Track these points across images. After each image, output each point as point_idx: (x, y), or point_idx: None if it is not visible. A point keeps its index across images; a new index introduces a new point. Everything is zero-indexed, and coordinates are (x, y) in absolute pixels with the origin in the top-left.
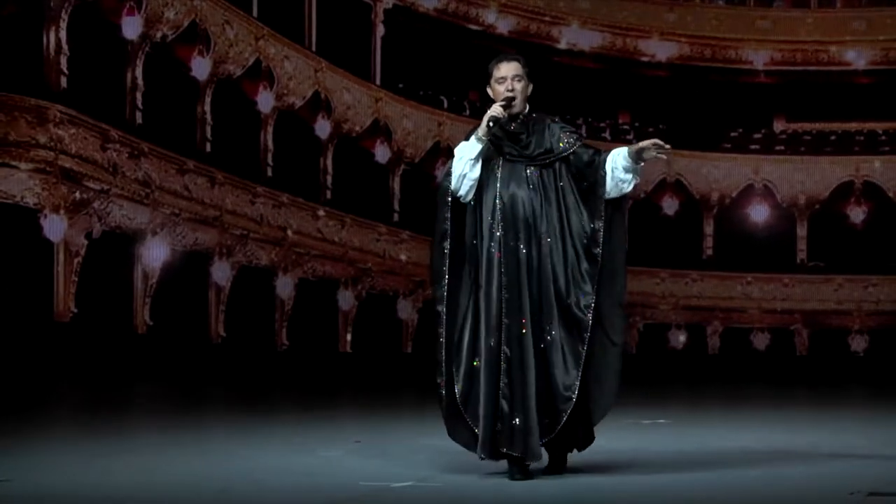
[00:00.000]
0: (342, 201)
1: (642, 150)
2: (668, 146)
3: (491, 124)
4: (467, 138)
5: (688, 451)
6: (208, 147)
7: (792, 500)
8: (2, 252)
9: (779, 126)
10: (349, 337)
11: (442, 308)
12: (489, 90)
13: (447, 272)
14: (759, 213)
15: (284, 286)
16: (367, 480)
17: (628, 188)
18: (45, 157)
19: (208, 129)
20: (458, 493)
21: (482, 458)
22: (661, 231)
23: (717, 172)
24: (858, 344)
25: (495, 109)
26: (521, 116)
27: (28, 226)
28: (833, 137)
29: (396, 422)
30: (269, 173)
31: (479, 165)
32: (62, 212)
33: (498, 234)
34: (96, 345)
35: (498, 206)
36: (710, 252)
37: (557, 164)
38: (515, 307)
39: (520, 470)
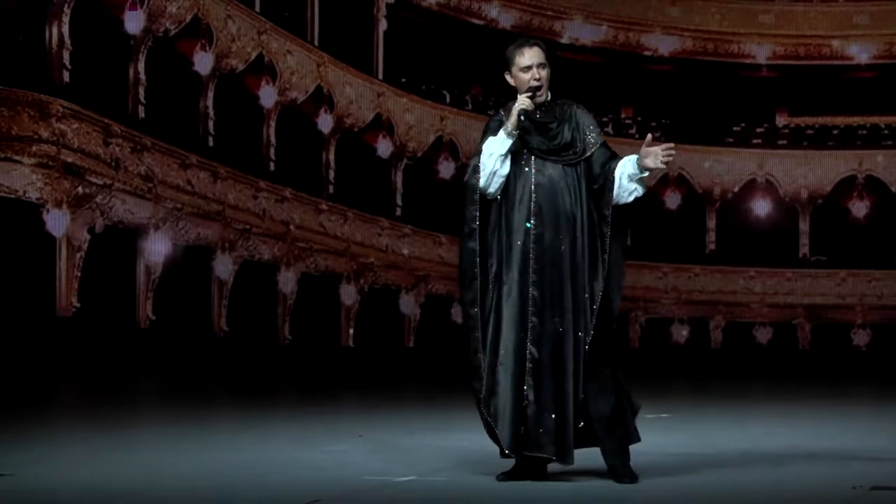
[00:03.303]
0: (344, 196)
1: (645, 155)
2: (673, 151)
3: (522, 118)
4: (489, 132)
5: (690, 446)
6: (211, 142)
7: (795, 495)
8: (4, 247)
9: (781, 120)
10: (351, 332)
11: (476, 311)
12: (509, 78)
13: (479, 273)
14: (761, 207)
15: (287, 281)
16: (370, 474)
17: (629, 199)
18: (47, 151)
19: (211, 123)
20: (460, 488)
21: (505, 455)
22: (664, 225)
23: (719, 167)
24: (861, 338)
25: (524, 102)
26: (545, 104)
27: (30, 220)
28: (836, 132)
29: (399, 416)
30: (272, 168)
31: (508, 161)
32: (65, 206)
33: (533, 229)
34: (99, 340)
35: (533, 200)
36: (712, 246)
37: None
38: (553, 305)
39: (531, 471)
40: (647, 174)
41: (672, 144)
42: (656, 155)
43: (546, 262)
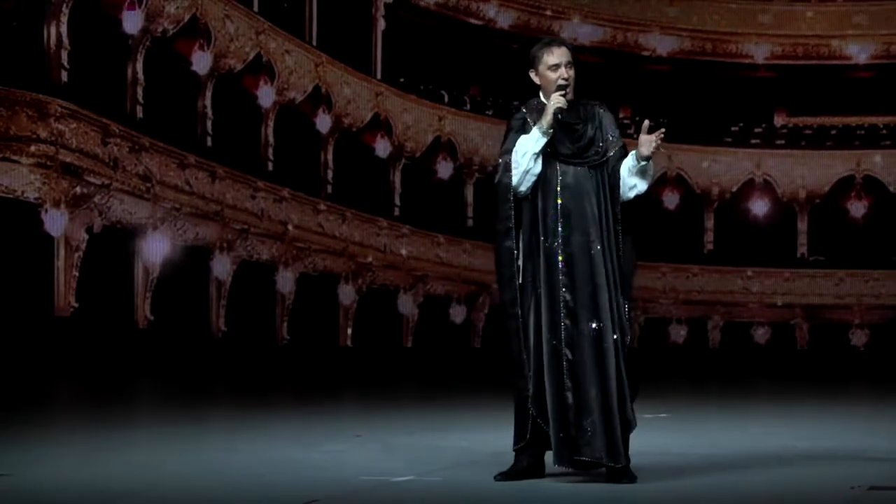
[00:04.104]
0: (343, 196)
1: (641, 144)
2: (662, 135)
3: (559, 116)
4: (511, 130)
5: (688, 446)
6: (209, 142)
7: (793, 495)
8: (3, 247)
9: (779, 120)
10: (350, 331)
11: (517, 310)
12: (534, 76)
13: (518, 272)
14: (759, 207)
15: (285, 281)
16: (367, 474)
17: (630, 194)
18: (45, 151)
19: (209, 123)
20: (458, 488)
21: (518, 450)
22: (662, 225)
23: (717, 167)
24: (859, 338)
25: (559, 100)
26: (569, 104)
27: (29, 220)
28: (834, 132)
29: (397, 416)
30: (270, 168)
31: (541, 160)
32: (63, 206)
33: (561, 231)
34: (97, 340)
35: (560, 203)
36: (710, 246)
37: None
38: (587, 307)
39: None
40: (644, 164)
41: (662, 130)
42: (650, 142)
43: (576, 264)
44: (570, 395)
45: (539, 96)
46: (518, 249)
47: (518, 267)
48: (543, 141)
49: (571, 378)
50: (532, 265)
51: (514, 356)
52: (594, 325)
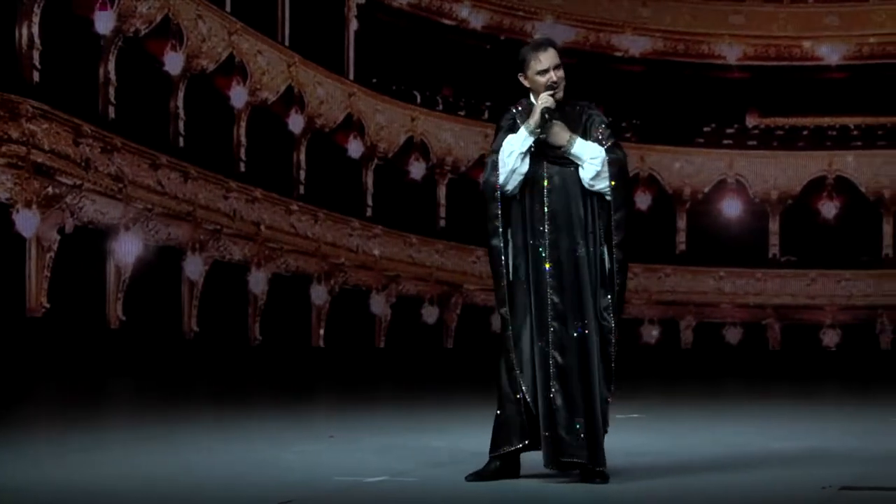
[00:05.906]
0: (315, 196)
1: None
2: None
3: (546, 116)
4: (500, 130)
5: (660, 447)
6: (181, 142)
7: (764, 495)
8: None
9: (752, 121)
10: (322, 332)
11: (505, 310)
12: (523, 80)
13: (508, 271)
14: (731, 207)
15: (257, 281)
16: (340, 475)
17: (586, 180)
18: (17, 151)
19: (181, 124)
20: (431, 488)
21: (495, 454)
22: (634, 226)
23: (689, 167)
24: (830, 338)
25: (547, 100)
26: (558, 105)
27: (0, 221)
28: (806, 132)
29: (370, 417)
30: (242, 168)
31: (528, 159)
32: (34, 207)
33: (548, 234)
34: (69, 340)
35: (547, 205)
36: (683, 247)
37: None
38: (575, 310)
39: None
40: (562, 150)
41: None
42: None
43: (564, 267)
44: (558, 398)
45: (530, 97)
46: (508, 249)
47: (509, 266)
48: (530, 141)
49: (559, 381)
50: (524, 265)
51: (504, 357)
52: (580, 328)
